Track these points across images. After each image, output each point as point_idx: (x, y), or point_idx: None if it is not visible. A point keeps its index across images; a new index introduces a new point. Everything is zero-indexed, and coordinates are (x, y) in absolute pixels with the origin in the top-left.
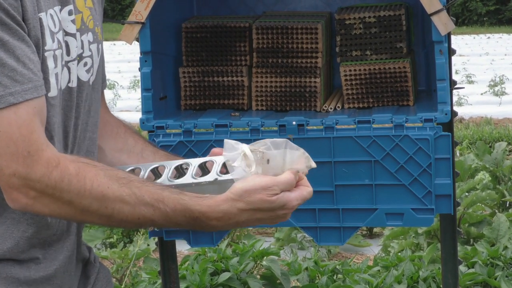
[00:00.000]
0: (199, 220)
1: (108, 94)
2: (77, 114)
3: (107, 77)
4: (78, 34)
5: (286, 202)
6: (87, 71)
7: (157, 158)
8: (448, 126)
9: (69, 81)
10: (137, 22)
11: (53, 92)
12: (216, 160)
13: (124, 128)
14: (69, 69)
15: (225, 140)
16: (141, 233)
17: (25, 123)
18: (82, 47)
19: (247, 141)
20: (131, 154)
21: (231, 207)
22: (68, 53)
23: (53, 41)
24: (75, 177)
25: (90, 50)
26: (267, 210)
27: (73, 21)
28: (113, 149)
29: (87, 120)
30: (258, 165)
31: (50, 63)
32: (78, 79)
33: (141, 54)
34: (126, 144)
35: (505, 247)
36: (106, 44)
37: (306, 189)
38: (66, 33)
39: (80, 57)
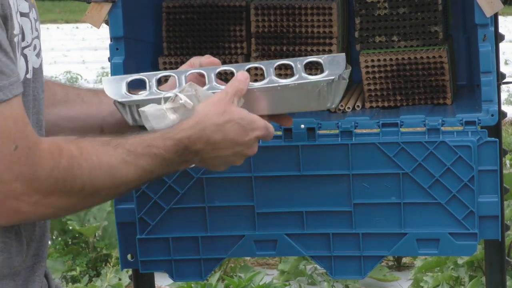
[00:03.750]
0: (187, 149)
1: None
2: (37, 109)
3: (69, 69)
4: (30, 13)
5: (253, 119)
6: (37, 55)
7: (101, 97)
8: (495, 130)
9: (26, 72)
10: (106, 0)
11: (28, 75)
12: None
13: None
14: (25, 57)
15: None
16: (111, 264)
17: (19, 116)
18: (36, 29)
19: None
20: (67, 102)
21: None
22: (23, 38)
23: (17, 24)
24: (81, 158)
25: (36, 29)
26: (237, 121)
27: None
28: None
29: (43, 112)
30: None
31: (15, 51)
32: (32, 68)
33: (111, 40)
34: (56, 97)
35: None
36: (67, 28)
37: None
38: (21, 14)
39: (32, 41)
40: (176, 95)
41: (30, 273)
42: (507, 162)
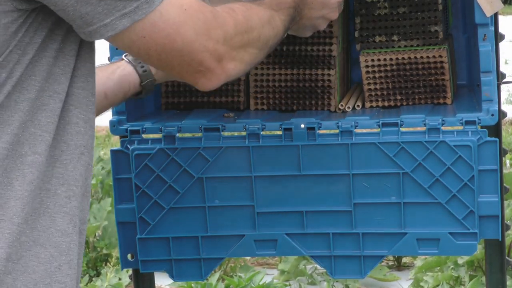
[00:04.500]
0: (297, 7)
1: None
2: None
3: None
4: None
5: None
6: None
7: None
8: (495, 129)
9: None
10: None
11: None
12: None
13: None
14: None
15: None
16: (111, 264)
17: None
18: None
19: (246, 149)
20: None
21: None
22: None
23: None
24: (249, 11)
25: None
26: None
27: None
28: None
29: None
30: None
31: None
32: None
33: None
34: None
35: None
36: None
37: None
38: None
39: None
40: None
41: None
42: (507, 161)
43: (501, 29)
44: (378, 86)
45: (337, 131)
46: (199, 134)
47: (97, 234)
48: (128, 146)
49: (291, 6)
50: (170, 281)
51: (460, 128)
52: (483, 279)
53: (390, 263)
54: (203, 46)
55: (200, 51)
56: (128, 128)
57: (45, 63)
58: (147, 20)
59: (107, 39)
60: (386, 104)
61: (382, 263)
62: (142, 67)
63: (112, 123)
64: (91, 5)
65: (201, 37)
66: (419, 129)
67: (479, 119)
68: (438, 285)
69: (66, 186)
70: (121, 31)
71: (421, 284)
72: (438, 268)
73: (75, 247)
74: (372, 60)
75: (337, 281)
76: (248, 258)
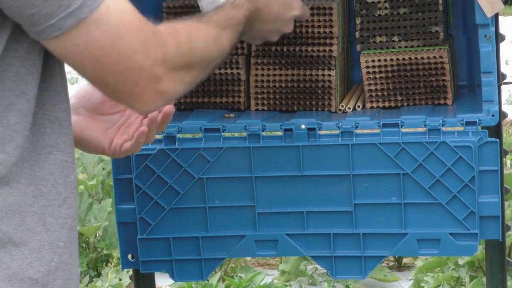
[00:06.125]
0: (249, 20)
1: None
2: None
3: (69, 69)
4: None
5: None
6: None
7: None
8: (496, 130)
9: None
10: None
11: None
12: None
13: None
14: None
15: None
16: (112, 264)
17: (131, 9)
18: None
19: (246, 149)
20: None
21: None
22: None
23: None
24: (194, 32)
25: None
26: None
27: None
28: None
29: None
30: None
31: None
32: None
33: None
34: None
35: None
36: None
37: None
38: None
39: None
40: None
41: None
42: (508, 162)
43: (501, 30)
44: (378, 87)
45: (337, 131)
46: (200, 135)
47: (97, 235)
48: None
49: (241, 22)
50: (171, 281)
51: (461, 128)
52: (484, 279)
53: (391, 263)
54: (140, 65)
55: (136, 70)
56: None
57: (11, 63)
58: (83, 27)
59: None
60: (386, 104)
61: (383, 264)
62: None
63: None
64: (37, 7)
65: (138, 56)
66: (419, 129)
67: (480, 120)
68: (438, 286)
69: (34, 186)
70: (65, 31)
71: (422, 284)
72: (439, 268)
73: (46, 245)
74: (373, 60)
75: (337, 282)
76: (249, 258)
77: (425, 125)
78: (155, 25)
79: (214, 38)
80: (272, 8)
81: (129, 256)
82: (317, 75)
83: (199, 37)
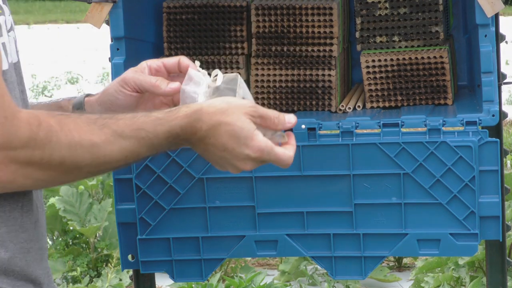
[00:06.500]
0: (179, 137)
1: (70, 89)
2: (22, 88)
3: (69, 69)
4: None
5: (251, 136)
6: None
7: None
8: (496, 130)
9: (15, 53)
10: (107, 1)
11: (5, 65)
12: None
13: None
14: (13, 40)
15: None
16: (112, 264)
17: (3, 88)
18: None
19: None
20: None
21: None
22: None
23: None
24: (61, 133)
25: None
26: (239, 133)
27: None
28: None
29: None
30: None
31: None
32: (16, 51)
33: (112, 40)
34: None
35: None
36: (68, 28)
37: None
38: None
39: (11, 28)
40: (217, 74)
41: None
42: (508, 162)
43: (501, 30)
44: (379, 87)
45: (337, 131)
46: None
47: (97, 235)
48: None
49: (158, 137)
50: (171, 281)
51: (461, 128)
52: (484, 279)
53: (391, 263)
54: None
55: None
56: None
57: None
58: None
59: None
60: (386, 104)
61: (383, 264)
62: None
63: None
64: None
65: None
66: (419, 129)
67: (480, 120)
68: (438, 286)
69: None
70: None
71: (422, 285)
72: (439, 269)
73: None
74: (373, 60)
75: (337, 282)
76: (249, 258)
77: (425, 125)
78: (20, 110)
79: (93, 143)
80: (220, 136)
81: (129, 257)
82: (317, 75)
83: (63, 137)
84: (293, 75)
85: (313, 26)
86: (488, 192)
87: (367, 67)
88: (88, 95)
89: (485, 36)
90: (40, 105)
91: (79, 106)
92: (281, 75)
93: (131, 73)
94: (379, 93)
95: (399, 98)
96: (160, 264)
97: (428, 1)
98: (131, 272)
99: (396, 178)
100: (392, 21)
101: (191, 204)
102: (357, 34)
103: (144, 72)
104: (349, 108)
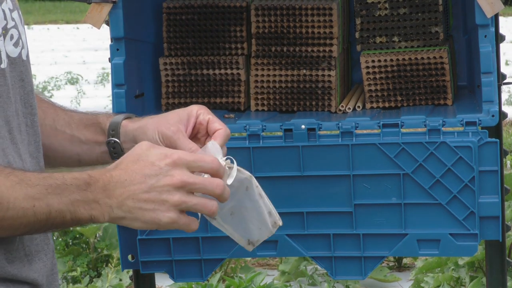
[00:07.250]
0: (90, 185)
1: (70, 90)
2: (15, 98)
3: (69, 70)
4: (3, 4)
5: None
6: (15, 44)
7: (74, 130)
8: (496, 130)
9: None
10: (107, 1)
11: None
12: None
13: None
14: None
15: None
16: (112, 264)
17: None
18: (5, 18)
19: (246, 150)
20: (42, 127)
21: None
22: None
23: None
24: None
25: (12, 19)
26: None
27: None
28: None
29: (26, 102)
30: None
31: None
32: (8, 56)
33: (111, 41)
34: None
35: None
36: (67, 28)
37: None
38: None
39: (5, 30)
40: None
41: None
42: (508, 162)
43: (501, 30)
44: (378, 87)
45: (337, 132)
46: None
47: (97, 235)
48: None
49: (69, 183)
50: (171, 281)
51: (461, 129)
52: (484, 280)
53: (391, 264)
54: None
55: None
56: None
57: None
58: None
59: None
60: (386, 105)
61: (383, 264)
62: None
63: None
64: None
65: None
66: (419, 130)
67: (480, 120)
68: (438, 286)
69: None
70: None
71: (422, 285)
72: (439, 269)
73: None
74: (373, 61)
75: (337, 282)
76: (249, 259)
77: (425, 126)
78: None
79: None
80: (128, 164)
81: (129, 257)
82: (317, 75)
83: None
84: (292, 75)
85: (313, 27)
86: (488, 192)
87: (367, 67)
88: (128, 117)
89: (485, 36)
90: (76, 114)
91: (114, 128)
92: (281, 75)
93: (172, 131)
94: (379, 94)
95: (399, 98)
96: (160, 264)
97: (428, 1)
98: (131, 272)
99: (396, 178)
100: (392, 22)
101: None
102: (357, 35)
103: (190, 121)
104: (349, 108)
